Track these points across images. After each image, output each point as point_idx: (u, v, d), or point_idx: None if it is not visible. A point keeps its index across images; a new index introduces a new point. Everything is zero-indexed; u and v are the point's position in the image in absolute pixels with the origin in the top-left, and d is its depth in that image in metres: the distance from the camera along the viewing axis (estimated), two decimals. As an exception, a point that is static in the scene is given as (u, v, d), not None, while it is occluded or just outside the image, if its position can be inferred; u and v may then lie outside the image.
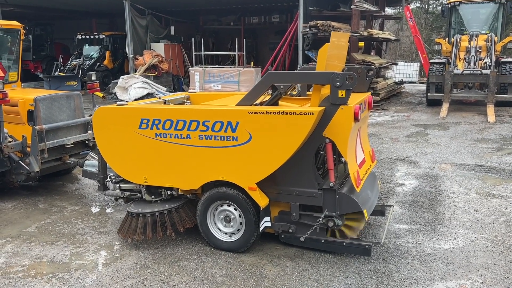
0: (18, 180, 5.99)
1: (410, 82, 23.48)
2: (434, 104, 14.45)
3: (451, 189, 6.36)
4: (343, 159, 4.74)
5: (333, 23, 13.56)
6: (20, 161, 5.78)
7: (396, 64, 20.53)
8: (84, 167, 5.87)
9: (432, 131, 10.70)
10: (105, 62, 19.70)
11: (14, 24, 6.93)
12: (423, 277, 3.98)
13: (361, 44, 17.01)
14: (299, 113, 3.97)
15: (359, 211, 4.17)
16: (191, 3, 19.35)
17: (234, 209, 4.45)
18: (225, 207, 4.49)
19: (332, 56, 4.51)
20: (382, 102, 15.63)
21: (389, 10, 32.99)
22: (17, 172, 5.91)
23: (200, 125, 4.30)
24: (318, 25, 13.53)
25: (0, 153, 5.67)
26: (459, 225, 5.12)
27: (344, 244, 4.30)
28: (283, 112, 4.02)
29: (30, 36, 22.84)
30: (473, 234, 4.87)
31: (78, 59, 19.47)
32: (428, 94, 14.40)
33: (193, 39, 15.45)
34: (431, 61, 15.55)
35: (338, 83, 3.94)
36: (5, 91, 5.50)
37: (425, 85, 15.59)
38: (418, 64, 24.39)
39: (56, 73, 18.65)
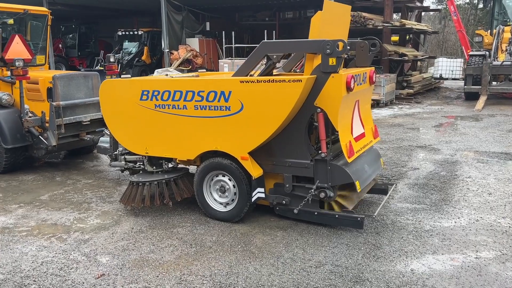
0: (38, 154, 6.34)
1: (453, 79, 22.59)
2: (472, 98, 13.81)
3: (468, 174, 6.09)
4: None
5: (364, 14, 13.30)
6: (40, 136, 6.12)
7: (434, 57, 19.80)
8: (98, 143, 6.12)
9: (462, 122, 10.27)
10: (143, 57, 20.33)
11: (42, 9, 7.34)
12: (414, 250, 3.86)
13: (395, 38, 16.57)
14: (288, 81, 3.97)
15: (351, 183, 4.11)
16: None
17: (229, 179, 4.50)
18: (220, 177, 4.55)
19: (334, 31, 4.45)
20: (416, 95, 15.16)
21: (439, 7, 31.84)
22: (37, 147, 6.26)
23: (195, 95, 4.38)
24: (349, 16, 13.30)
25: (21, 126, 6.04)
26: (467, 206, 4.90)
27: (337, 216, 4.25)
28: (273, 80, 4.03)
29: (76, 34, 24.11)
30: (480, 214, 4.66)
31: (117, 55, 20.21)
32: (465, 86, 13.83)
33: (223, 32, 15.64)
34: (470, 53, 14.88)
35: (328, 51, 3.90)
36: (25, 68, 5.85)
37: None
38: (462, 60, 23.42)
39: (96, 68, 19.47)
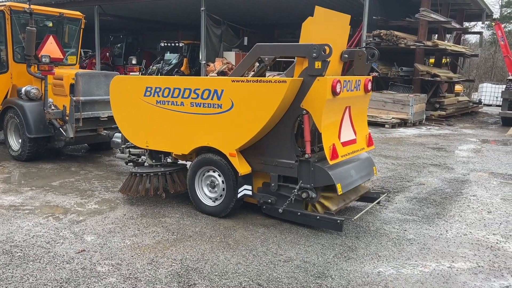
0: (59, 145, 6.81)
1: (497, 105, 21.81)
2: (509, 123, 13.33)
3: (474, 193, 5.94)
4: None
5: (396, 33, 13.23)
6: (60, 128, 6.57)
7: (472, 81, 19.21)
8: (113, 138, 6.49)
9: (488, 145, 9.94)
10: (182, 68, 21.08)
11: (76, 13, 7.92)
12: (389, 256, 3.85)
13: (432, 61, 16.30)
14: (274, 82, 4.13)
15: (332, 185, 4.18)
16: (266, 16, 20.09)
17: (218, 175, 4.68)
18: (211, 173, 4.74)
19: (329, 38, 4.56)
20: (450, 118, 14.79)
21: (487, 32, 31.01)
22: (58, 139, 6.73)
23: (192, 93, 4.63)
24: (382, 34, 13.29)
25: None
26: (460, 221, 4.81)
27: (318, 218, 4.31)
28: (260, 80, 4.21)
29: (123, 44, 25.38)
30: (470, 229, 4.56)
31: (158, 64, 21.11)
32: (500, 111, 13.39)
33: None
34: (509, 77, 14.41)
35: (314, 54, 4.04)
36: (51, 65, 6.35)
37: None
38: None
39: (137, 76, 20.40)
